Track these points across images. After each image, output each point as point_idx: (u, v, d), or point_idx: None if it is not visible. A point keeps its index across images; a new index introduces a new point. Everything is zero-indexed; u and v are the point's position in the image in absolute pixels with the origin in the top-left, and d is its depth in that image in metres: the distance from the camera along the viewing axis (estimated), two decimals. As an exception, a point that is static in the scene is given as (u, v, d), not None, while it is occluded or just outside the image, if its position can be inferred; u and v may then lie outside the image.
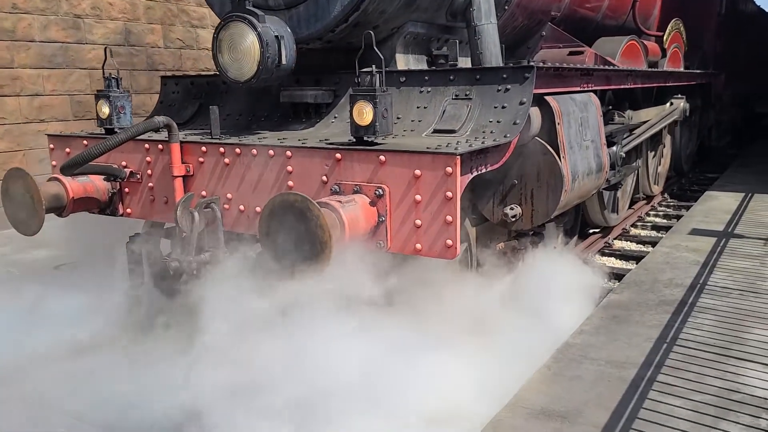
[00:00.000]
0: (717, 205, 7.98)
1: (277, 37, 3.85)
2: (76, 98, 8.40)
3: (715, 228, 6.83)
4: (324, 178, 3.45)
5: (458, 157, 3.10)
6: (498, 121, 3.73)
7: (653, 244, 6.78)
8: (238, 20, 3.82)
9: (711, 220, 7.21)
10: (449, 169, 3.11)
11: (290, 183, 3.58)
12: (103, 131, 4.54)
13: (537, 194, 4.13)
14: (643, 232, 8.06)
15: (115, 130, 4.39)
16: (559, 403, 3.32)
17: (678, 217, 8.01)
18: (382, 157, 3.29)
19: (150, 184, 4.15)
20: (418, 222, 3.24)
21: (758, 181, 9.44)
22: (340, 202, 3.19)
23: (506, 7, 4.97)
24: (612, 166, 5.42)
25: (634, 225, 8.09)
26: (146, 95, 9.26)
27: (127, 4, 8.94)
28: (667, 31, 8.17)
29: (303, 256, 2.99)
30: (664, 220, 8.54)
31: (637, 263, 6.03)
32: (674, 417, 3.11)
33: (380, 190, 3.29)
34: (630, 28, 7.39)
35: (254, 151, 3.69)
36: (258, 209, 3.62)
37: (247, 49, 3.84)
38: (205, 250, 3.81)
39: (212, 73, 4.74)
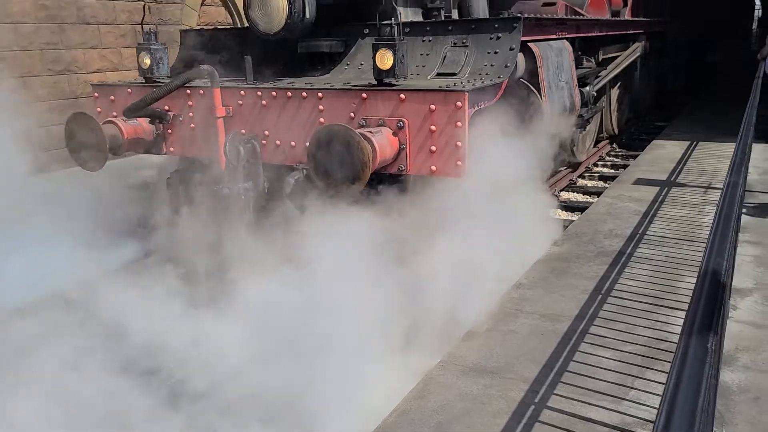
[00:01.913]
0: (663, 154, 8.11)
1: None
2: (2, 55, 7.92)
3: (659, 177, 6.95)
4: (352, 114, 4.18)
5: (466, 93, 3.86)
6: (492, 65, 4.48)
7: (599, 194, 6.83)
8: None
9: (656, 169, 7.32)
10: (459, 104, 3.86)
11: (321, 119, 4.29)
12: (143, 80, 5.23)
13: (523, 127, 4.81)
14: (590, 183, 8.12)
15: (155, 79, 5.13)
16: (491, 359, 3.34)
17: (625, 167, 8.09)
18: (402, 96, 4.03)
19: (192, 125, 4.79)
20: (433, 148, 3.96)
21: (704, 129, 9.58)
22: (370, 132, 3.92)
23: None
24: (585, 104, 6.28)
25: (581, 176, 8.13)
26: (78, 51, 8.78)
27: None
28: None
29: (346, 174, 3.75)
30: (612, 170, 8.61)
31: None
32: (602, 369, 3.16)
33: (401, 123, 4.03)
34: None
35: (289, 94, 4.38)
36: (293, 143, 4.40)
37: (276, 5, 4.51)
38: (248, 179, 4.53)
39: (228, 27, 5.75)
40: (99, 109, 5.21)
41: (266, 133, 4.47)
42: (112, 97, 5.14)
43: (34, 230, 5.03)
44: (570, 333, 3.55)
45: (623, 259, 4.62)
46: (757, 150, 8.14)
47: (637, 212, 5.76)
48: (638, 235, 5.15)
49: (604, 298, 3.98)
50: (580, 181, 8.09)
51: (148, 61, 5.14)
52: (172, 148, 4.96)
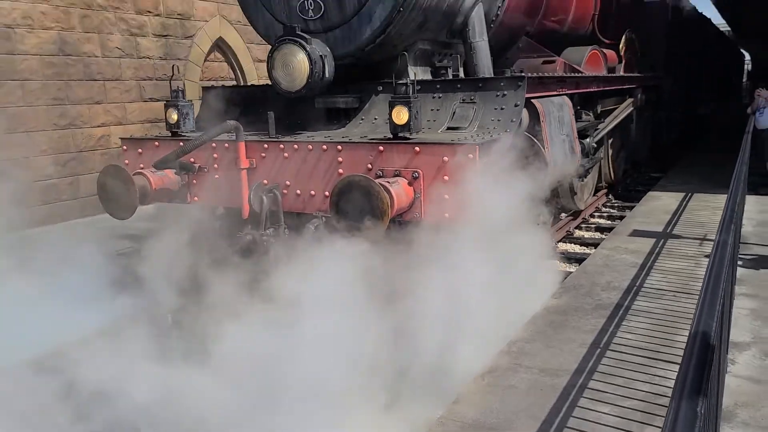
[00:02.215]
0: (658, 206, 8.22)
1: (321, 56, 4.93)
2: (9, 111, 8.12)
3: (655, 229, 7.02)
4: (369, 165, 4.45)
5: (478, 146, 4.16)
6: (498, 120, 4.79)
7: (596, 245, 6.89)
8: (291, 42, 4.91)
9: (651, 221, 7.40)
10: (471, 155, 4.14)
11: (340, 170, 4.55)
12: (170, 134, 5.57)
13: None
14: (587, 234, 8.19)
15: (181, 133, 5.48)
16: (491, 415, 3.34)
17: (621, 218, 8.17)
18: (417, 148, 4.30)
19: (216, 176, 5.07)
20: (446, 197, 4.20)
21: (699, 180, 9.71)
22: (388, 182, 4.17)
23: (491, 26, 6.13)
24: (585, 155, 6.61)
25: (578, 227, 8.22)
26: (83, 106, 8.99)
27: (61, 13, 8.68)
28: (622, 40, 9.42)
29: (367, 221, 4.01)
30: (609, 222, 8.70)
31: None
32: (601, 425, 3.15)
33: (416, 173, 4.29)
34: (591, 38, 8.57)
35: (310, 147, 4.68)
36: (312, 192, 4.68)
37: (298, 66, 4.89)
38: (269, 226, 4.80)
39: (249, 84, 6.22)
40: (127, 161, 5.50)
41: (287, 183, 4.79)
42: (140, 150, 5.45)
43: (10, 288, 5.11)
44: (569, 388, 3.55)
45: (621, 312, 4.65)
46: (751, 202, 8.26)
47: (634, 264, 5.82)
48: (635, 288, 5.19)
49: (603, 352, 3.99)
50: (577, 232, 8.17)
51: (175, 117, 5.53)
52: (196, 198, 5.23)
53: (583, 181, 7.68)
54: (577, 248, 7.52)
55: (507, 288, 4.43)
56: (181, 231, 5.59)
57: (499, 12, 6.22)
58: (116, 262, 6.21)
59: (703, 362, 1.52)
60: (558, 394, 3.51)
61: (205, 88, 6.35)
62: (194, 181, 5.16)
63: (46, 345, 4.74)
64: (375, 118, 5.27)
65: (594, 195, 8.98)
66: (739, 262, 5.55)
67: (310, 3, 5.15)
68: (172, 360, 4.57)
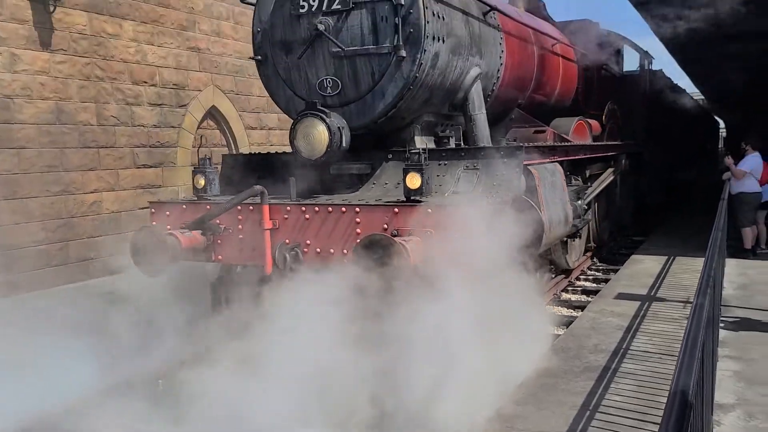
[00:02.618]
0: (642, 269, 8.44)
1: (339, 127, 5.51)
2: (5, 178, 8.27)
3: (640, 292, 7.22)
4: (385, 225, 4.91)
5: (485, 207, 4.76)
6: (500, 185, 5.37)
7: (583, 308, 7.04)
8: (312, 116, 5.55)
9: (635, 284, 7.61)
10: (478, 216, 4.62)
11: (358, 230, 5.01)
12: (196, 198, 6.16)
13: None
14: (574, 297, 8.34)
15: (206, 197, 6.09)
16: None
17: (606, 281, 8.35)
18: (429, 210, 4.80)
19: (240, 236, 5.49)
20: (456, 253, 4.59)
21: (680, 244, 9.97)
22: (404, 240, 4.59)
23: (488, 100, 6.78)
24: (577, 216, 7.06)
25: (565, 290, 8.38)
26: (77, 173, 9.17)
27: (59, 84, 8.99)
28: (605, 111, 10.19)
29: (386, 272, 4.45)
30: (594, 284, 8.87)
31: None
32: (594, 486, 3.22)
33: (429, 232, 4.70)
34: (576, 109, 9.32)
35: (329, 209, 5.16)
36: (332, 251, 5.10)
37: (318, 136, 5.48)
38: None
39: (264, 152, 6.79)
40: (154, 222, 5.91)
41: (308, 242, 5.25)
42: (168, 213, 5.87)
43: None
44: (562, 451, 3.63)
45: (609, 374, 4.79)
46: (731, 265, 8.55)
47: (620, 327, 5.98)
48: (622, 350, 5.34)
49: (592, 414, 4.11)
50: (564, 295, 8.35)
51: (202, 182, 6.16)
52: (220, 257, 5.64)
53: (574, 241, 8.20)
54: (564, 310, 7.68)
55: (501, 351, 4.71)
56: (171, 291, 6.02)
57: (494, 87, 6.93)
58: (110, 324, 6.26)
59: (681, 419, 1.65)
60: (552, 456, 3.58)
61: (224, 156, 6.96)
62: (218, 241, 5.59)
63: (30, 412, 4.75)
64: (386, 183, 5.85)
65: (583, 254, 9.46)
66: (722, 325, 5.73)
67: (329, 81, 5.82)
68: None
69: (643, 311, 6.47)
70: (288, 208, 5.33)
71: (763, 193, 9.67)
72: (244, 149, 12.32)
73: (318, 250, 5.19)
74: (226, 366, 4.91)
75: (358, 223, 5.01)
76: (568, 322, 6.73)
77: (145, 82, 10.38)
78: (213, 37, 11.66)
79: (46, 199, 9.01)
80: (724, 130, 37.48)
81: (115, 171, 9.99)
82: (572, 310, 7.72)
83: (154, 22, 10.47)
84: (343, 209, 5.10)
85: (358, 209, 5.05)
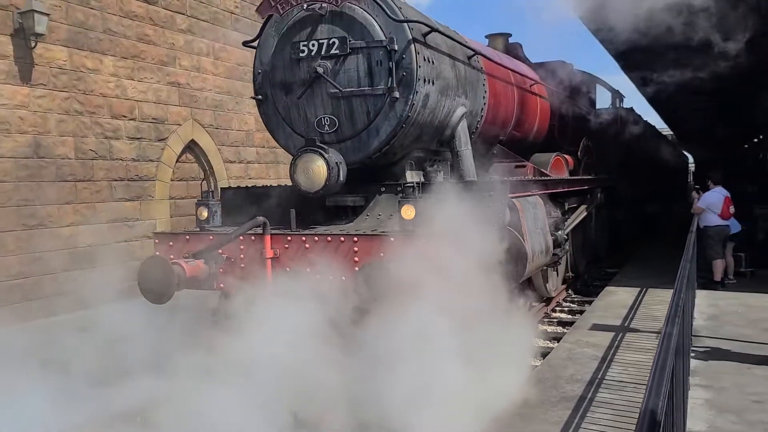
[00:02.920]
0: (616, 300, 8.64)
1: (337, 162, 5.89)
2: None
3: (614, 323, 7.40)
4: (382, 253, 5.21)
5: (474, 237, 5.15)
6: (486, 217, 5.67)
7: (559, 339, 7.17)
8: (311, 151, 5.94)
9: (610, 315, 7.79)
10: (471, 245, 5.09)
11: (356, 258, 5.38)
12: (198, 230, 6.56)
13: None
14: (550, 328, 8.48)
15: (209, 228, 6.47)
16: None
17: (581, 312, 8.51)
18: (423, 240, 5.08)
19: (242, 265, 5.85)
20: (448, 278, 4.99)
21: (652, 276, 10.21)
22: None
23: (473, 137, 7.22)
24: (558, 245, 7.52)
25: (541, 321, 8.52)
26: (53, 206, 9.15)
27: (38, 118, 9.05)
28: (580, 146, 10.69)
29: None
30: (569, 316, 9.03)
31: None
32: None
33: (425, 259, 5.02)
34: (553, 144, 9.81)
35: (329, 239, 5.56)
36: (330, 277, 5.36)
37: (317, 170, 5.88)
38: None
39: (260, 185, 7.36)
40: (157, 252, 6.21)
41: (308, 270, 5.52)
42: (171, 243, 6.22)
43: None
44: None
45: (585, 404, 4.89)
46: (702, 296, 8.83)
47: (595, 357, 6.13)
48: (597, 380, 5.47)
49: (570, 444, 4.19)
50: (540, 326, 8.48)
51: (205, 214, 6.57)
52: (222, 285, 5.93)
53: (554, 269, 8.59)
54: (540, 342, 7.81)
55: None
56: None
57: (478, 125, 7.41)
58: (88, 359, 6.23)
59: (652, 436, 1.77)
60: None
61: (222, 189, 7.36)
62: (220, 270, 5.92)
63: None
64: (379, 215, 6.20)
65: (562, 284, 9.88)
66: (693, 354, 5.91)
67: (327, 119, 6.22)
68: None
69: (617, 342, 6.65)
70: (289, 238, 5.71)
71: (732, 226, 10.04)
72: (223, 182, 12.41)
73: (318, 276, 5.43)
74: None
75: (356, 252, 5.37)
76: (544, 353, 6.85)
77: (125, 116, 10.48)
78: (193, 72, 11.86)
79: (23, 232, 8.97)
80: (693, 165, 38.52)
81: (92, 204, 9.99)
82: (548, 342, 7.86)
83: (135, 58, 10.64)
84: (342, 239, 5.46)
85: (356, 239, 5.40)
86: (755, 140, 24.05)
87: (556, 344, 6.99)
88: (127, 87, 10.53)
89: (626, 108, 14.77)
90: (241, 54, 12.98)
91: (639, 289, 9.39)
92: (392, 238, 5.23)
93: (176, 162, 11.56)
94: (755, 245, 11.35)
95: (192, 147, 11.99)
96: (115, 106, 10.34)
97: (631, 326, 7.34)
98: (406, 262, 4.94)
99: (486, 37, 10.15)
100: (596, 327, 7.33)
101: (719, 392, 5.23)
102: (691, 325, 6.88)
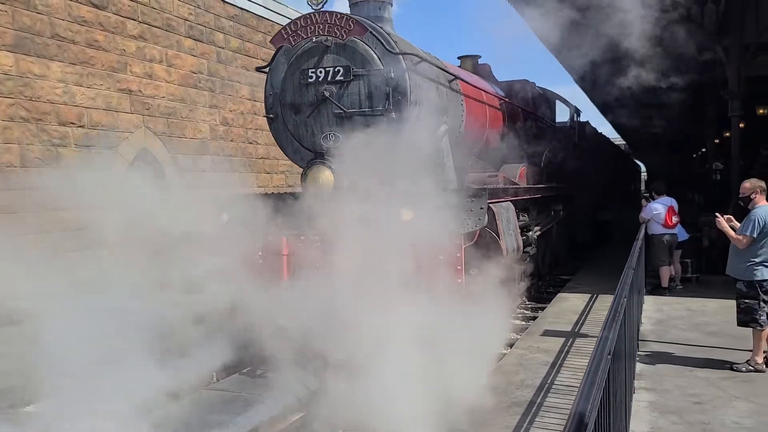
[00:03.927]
0: (567, 306, 8.85)
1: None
2: None
3: (565, 328, 7.59)
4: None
5: (462, 234, 6.11)
6: (470, 219, 6.37)
7: (511, 345, 7.30)
8: (320, 163, 6.95)
9: (561, 321, 7.98)
10: (457, 242, 6.01)
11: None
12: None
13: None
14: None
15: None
16: None
17: (534, 318, 8.69)
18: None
19: (260, 261, 6.74)
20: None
21: (604, 282, 10.48)
22: None
23: (452, 151, 7.75)
24: (529, 244, 8.48)
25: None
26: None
27: (-18, 125, 8.80)
28: (543, 158, 11.29)
29: None
30: (522, 322, 9.21)
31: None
32: None
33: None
34: (520, 156, 10.22)
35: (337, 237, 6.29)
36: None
37: (325, 179, 6.87)
38: None
39: (277, 192, 7.89)
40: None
41: (317, 264, 6.26)
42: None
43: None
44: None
45: (534, 409, 5.01)
46: (649, 302, 9.10)
47: (546, 363, 6.27)
48: (547, 385, 5.59)
49: (518, 449, 4.29)
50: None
51: (226, 218, 7.14)
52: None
53: (523, 268, 9.04)
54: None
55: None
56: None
57: (457, 140, 8.18)
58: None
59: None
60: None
61: (238, 196, 7.88)
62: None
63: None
64: None
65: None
66: (638, 358, 6.11)
67: (332, 135, 7.04)
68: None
69: (567, 347, 6.82)
70: (302, 238, 6.56)
71: (679, 234, 10.42)
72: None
73: (327, 270, 6.18)
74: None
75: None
76: (497, 359, 6.97)
77: (73, 123, 10.26)
78: (145, 79, 11.68)
79: (-37, 243, 8.68)
80: (645, 174, 39.69)
81: (40, 213, 9.73)
82: (501, 348, 7.99)
83: (84, 63, 10.44)
84: (349, 237, 6.13)
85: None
86: (703, 150, 24.96)
87: (509, 350, 7.13)
88: (76, 93, 10.32)
89: (583, 122, 15.66)
90: (195, 61, 12.90)
91: (590, 295, 9.64)
92: None
93: (128, 171, 11.37)
94: (701, 252, 11.78)
95: (145, 155, 11.83)
96: (63, 113, 10.11)
97: (581, 331, 7.53)
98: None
99: (458, 58, 10.89)
100: (548, 333, 7.50)
101: (662, 394, 5.43)
102: (638, 330, 7.12)
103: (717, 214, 6.36)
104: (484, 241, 6.67)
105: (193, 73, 12.78)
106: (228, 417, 5.73)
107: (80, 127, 10.40)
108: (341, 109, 6.88)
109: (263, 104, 7.57)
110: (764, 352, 6.09)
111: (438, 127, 7.37)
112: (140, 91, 11.56)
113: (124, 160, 11.24)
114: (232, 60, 14.08)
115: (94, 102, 10.63)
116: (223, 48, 13.82)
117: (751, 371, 5.97)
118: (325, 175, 6.80)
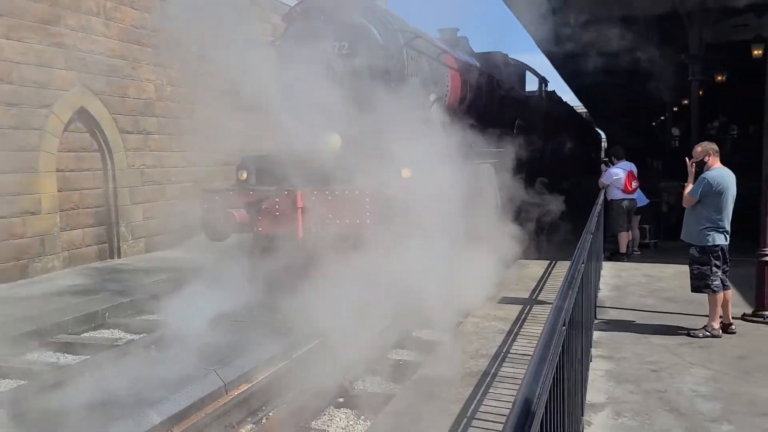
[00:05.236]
0: (527, 273, 8.73)
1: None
2: None
3: (523, 295, 7.42)
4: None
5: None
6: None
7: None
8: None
9: (520, 288, 7.84)
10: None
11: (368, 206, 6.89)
12: (239, 187, 7.85)
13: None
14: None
15: (248, 187, 7.82)
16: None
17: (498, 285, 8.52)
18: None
19: (277, 213, 7.30)
20: None
21: (564, 248, 10.37)
22: None
23: None
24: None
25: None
26: None
27: None
28: (515, 126, 11.76)
29: None
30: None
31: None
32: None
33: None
34: (495, 122, 10.69)
35: (347, 191, 7.01)
36: (347, 221, 6.93)
37: (333, 143, 7.41)
38: None
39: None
40: (205, 206, 7.54)
41: (329, 215, 7.00)
42: (217, 197, 7.52)
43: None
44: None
45: (488, 379, 4.80)
46: (607, 267, 9.03)
47: (502, 331, 6.10)
48: (502, 354, 5.41)
49: (469, 422, 4.09)
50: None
51: (245, 175, 8.00)
52: (260, 228, 7.38)
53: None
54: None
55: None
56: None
57: (444, 108, 8.73)
58: None
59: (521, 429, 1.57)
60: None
61: (251, 156, 8.29)
62: (259, 218, 7.34)
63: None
64: None
65: None
66: (595, 326, 5.97)
67: None
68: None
69: (524, 315, 6.65)
70: (315, 192, 7.08)
71: (638, 200, 10.36)
72: (119, 154, 11.62)
73: (337, 221, 6.92)
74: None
75: (368, 200, 6.87)
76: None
77: (0, 80, 9.51)
78: (81, 33, 10.89)
79: None
80: (605, 141, 40.12)
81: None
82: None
83: (11, 14, 9.63)
84: (357, 191, 6.89)
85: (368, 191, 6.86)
86: (662, 118, 25.17)
87: (465, 318, 6.93)
88: (4, 47, 9.56)
89: (550, 91, 16.02)
90: (138, 15, 12.11)
91: (549, 261, 9.53)
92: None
93: (63, 131, 10.66)
94: (660, 218, 11.80)
95: (82, 115, 11.13)
96: (-11, 68, 9.38)
97: (538, 298, 7.38)
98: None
99: (438, 31, 11.08)
100: (505, 300, 7.32)
101: (619, 362, 5.29)
102: (596, 296, 7.00)
103: (687, 158, 6.27)
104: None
105: (135, 28, 12.02)
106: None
107: (9, 83, 9.65)
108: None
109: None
110: (720, 317, 6.03)
111: (428, 95, 8.20)
112: (76, 45, 10.78)
113: (59, 120, 10.54)
114: (179, 16, 13.32)
115: (24, 57, 9.84)
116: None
117: (707, 337, 5.90)
118: (333, 138, 7.36)
